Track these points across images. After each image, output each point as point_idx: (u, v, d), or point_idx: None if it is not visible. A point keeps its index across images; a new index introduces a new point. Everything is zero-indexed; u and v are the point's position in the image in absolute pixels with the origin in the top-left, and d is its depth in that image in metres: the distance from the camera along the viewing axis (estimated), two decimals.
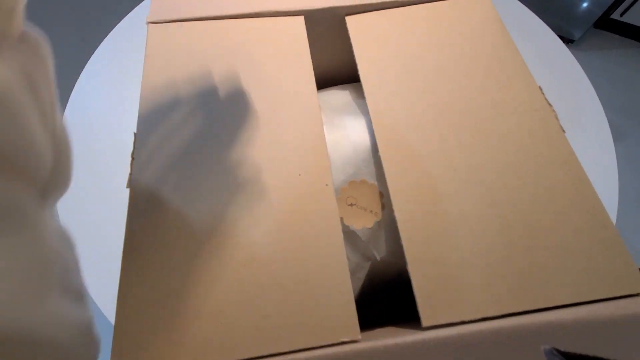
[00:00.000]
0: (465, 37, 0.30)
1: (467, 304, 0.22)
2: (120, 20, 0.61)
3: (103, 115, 0.53)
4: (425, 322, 0.21)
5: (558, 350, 0.15)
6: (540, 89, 0.28)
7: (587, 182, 0.24)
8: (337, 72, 0.41)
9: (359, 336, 0.21)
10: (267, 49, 0.30)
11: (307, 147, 0.26)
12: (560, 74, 0.57)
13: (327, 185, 0.25)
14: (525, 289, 0.22)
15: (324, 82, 0.42)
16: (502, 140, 0.26)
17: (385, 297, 0.37)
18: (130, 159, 0.25)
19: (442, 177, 0.25)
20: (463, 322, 0.21)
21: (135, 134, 0.26)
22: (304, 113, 0.28)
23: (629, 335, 0.20)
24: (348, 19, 0.33)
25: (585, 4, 1.25)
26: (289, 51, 0.30)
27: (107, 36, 0.60)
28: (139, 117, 0.26)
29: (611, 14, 1.28)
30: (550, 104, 0.27)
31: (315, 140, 0.26)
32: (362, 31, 0.32)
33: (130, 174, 0.24)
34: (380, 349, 0.19)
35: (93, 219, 0.45)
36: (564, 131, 0.26)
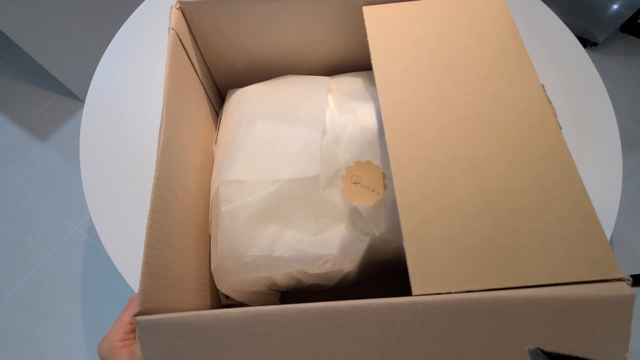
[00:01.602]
0: (475, 33, 0.32)
1: (454, 277, 0.24)
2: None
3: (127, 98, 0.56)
4: (415, 290, 0.24)
5: (542, 350, 0.16)
6: (543, 86, 0.30)
7: (577, 176, 0.26)
8: (353, 59, 0.43)
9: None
10: None
11: None
12: (575, 76, 0.58)
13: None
14: (507, 268, 0.24)
15: (340, 68, 0.44)
16: (500, 133, 0.28)
17: (381, 273, 0.40)
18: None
19: (441, 164, 0.27)
20: (449, 293, 0.24)
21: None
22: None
23: (597, 315, 0.22)
24: (365, 9, 0.34)
25: (615, 6, 1.21)
26: None
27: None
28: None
29: (639, 19, 1.25)
30: (550, 102, 0.29)
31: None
32: (377, 22, 0.34)
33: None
34: (373, 306, 0.22)
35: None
36: (560, 128, 0.28)
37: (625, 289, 0.22)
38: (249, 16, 0.35)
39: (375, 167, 0.31)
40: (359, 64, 0.43)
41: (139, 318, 0.21)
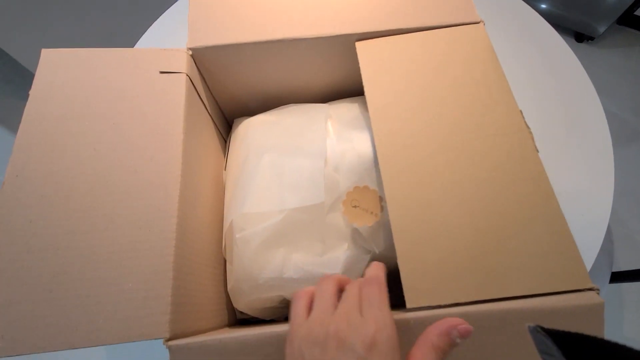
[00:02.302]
0: (458, 64, 0.35)
1: (443, 292, 0.27)
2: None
3: None
4: (409, 304, 0.27)
5: (542, 328, 0.15)
6: (522, 112, 0.33)
7: (553, 196, 0.29)
8: (350, 84, 0.46)
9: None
10: None
11: None
12: (563, 76, 0.60)
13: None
14: (490, 283, 0.27)
15: (337, 92, 0.47)
16: (483, 158, 0.31)
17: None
18: None
19: (430, 188, 0.30)
20: (439, 306, 0.27)
21: None
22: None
23: (571, 322, 0.25)
24: (358, 45, 0.38)
25: None
26: None
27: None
28: None
29: (635, 11, 1.25)
30: (528, 127, 0.32)
31: None
32: (369, 57, 0.37)
33: None
34: None
35: None
36: (537, 151, 0.31)
37: (595, 298, 0.25)
38: (251, 57, 0.39)
39: (373, 192, 0.34)
40: (355, 88, 0.46)
41: (170, 343, 0.25)
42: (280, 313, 0.41)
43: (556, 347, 0.14)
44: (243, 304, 0.35)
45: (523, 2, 0.68)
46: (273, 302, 0.37)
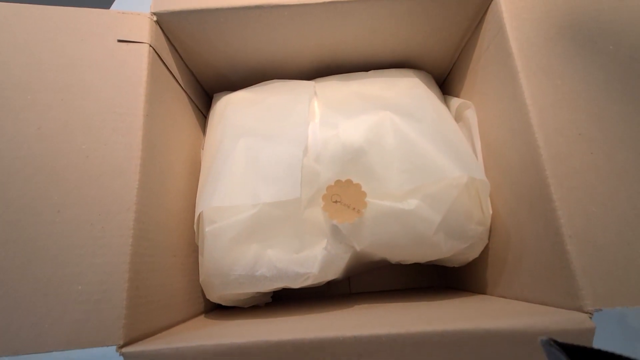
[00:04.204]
0: None
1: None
2: None
3: None
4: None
5: (555, 341, 0.15)
6: None
7: None
8: (342, 59, 0.41)
9: None
10: None
11: None
12: None
13: None
14: None
15: (328, 68, 0.42)
16: None
17: (373, 268, 0.40)
18: None
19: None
20: None
21: None
22: None
23: None
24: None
25: None
26: None
27: None
28: None
29: None
30: None
31: None
32: None
33: None
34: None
35: None
36: None
37: (586, 322, 0.23)
38: (227, 24, 0.34)
39: (356, 186, 0.31)
40: (347, 63, 0.41)
41: (125, 350, 0.23)
42: (259, 301, 0.39)
43: None
44: (215, 297, 0.33)
45: None
46: (247, 295, 0.35)
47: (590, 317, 0.22)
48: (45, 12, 0.29)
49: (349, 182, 0.31)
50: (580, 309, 0.23)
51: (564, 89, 0.27)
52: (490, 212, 0.33)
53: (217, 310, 0.40)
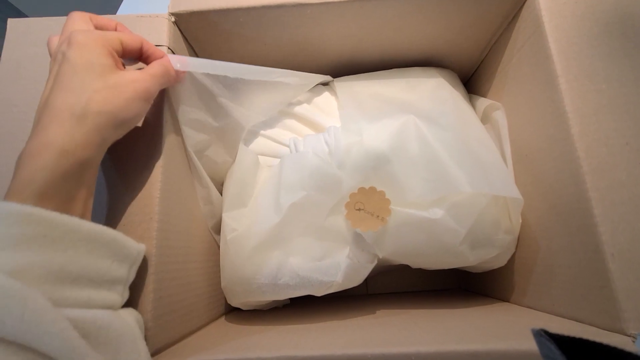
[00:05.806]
0: None
1: None
2: None
3: None
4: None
5: (546, 332, 0.15)
6: None
7: None
8: (362, 57, 0.40)
9: None
10: None
11: None
12: None
13: None
14: None
15: (349, 65, 0.40)
16: None
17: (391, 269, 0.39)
18: None
19: None
20: None
21: None
22: None
23: None
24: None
25: None
26: None
27: None
28: None
29: None
30: None
31: None
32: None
33: None
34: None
35: None
36: None
37: (629, 345, 0.22)
38: (247, 25, 0.33)
39: (380, 193, 0.30)
40: (368, 61, 0.40)
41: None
42: (279, 303, 0.39)
43: (560, 352, 0.14)
44: (237, 303, 0.33)
45: None
46: (268, 300, 0.34)
47: (634, 341, 0.21)
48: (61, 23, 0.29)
49: (372, 189, 0.30)
50: (621, 332, 0.22)
51: (609, 94, 0.25)
52: (520, 220, 0.32)
53: (236, 311, 0.40)
